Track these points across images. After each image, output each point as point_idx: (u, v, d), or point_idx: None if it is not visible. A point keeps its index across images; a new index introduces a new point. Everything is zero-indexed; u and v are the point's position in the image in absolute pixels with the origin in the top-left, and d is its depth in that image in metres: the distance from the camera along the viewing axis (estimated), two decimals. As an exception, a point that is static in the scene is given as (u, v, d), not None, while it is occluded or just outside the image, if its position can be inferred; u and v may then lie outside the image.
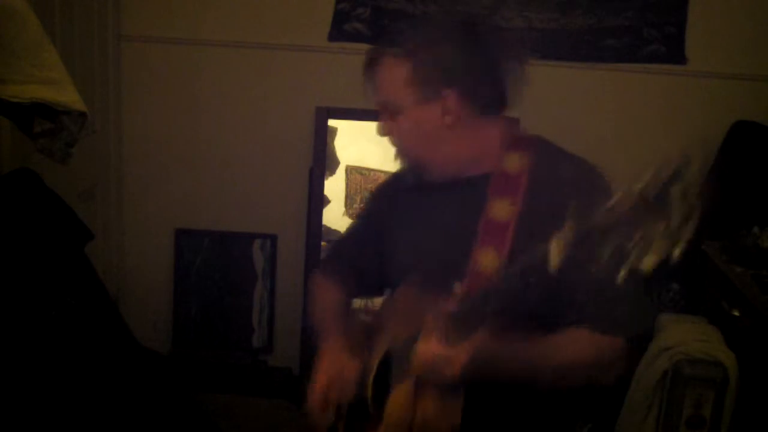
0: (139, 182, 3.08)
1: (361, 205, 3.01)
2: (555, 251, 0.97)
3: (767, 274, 2.35)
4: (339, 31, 2.91)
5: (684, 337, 2.44)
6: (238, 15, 2.94)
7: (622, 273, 0.88)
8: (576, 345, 1.28)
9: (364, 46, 2.86)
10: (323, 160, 2.95)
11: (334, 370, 1.43)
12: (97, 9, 2.75)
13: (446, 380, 1.21)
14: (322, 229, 2.97)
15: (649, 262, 0.86)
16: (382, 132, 1.43)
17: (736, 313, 2.38)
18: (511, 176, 1.36)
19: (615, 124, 2.95)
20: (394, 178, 1.63)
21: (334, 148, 3.04)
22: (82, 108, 1.83)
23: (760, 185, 2.72)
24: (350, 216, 3.01)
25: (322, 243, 2.95)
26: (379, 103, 1.42)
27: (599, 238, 0.90)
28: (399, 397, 1.31)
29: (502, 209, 1.33)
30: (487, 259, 1.31)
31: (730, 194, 2.75)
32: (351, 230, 1.73)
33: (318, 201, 2.95)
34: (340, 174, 3.06)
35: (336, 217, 3.02)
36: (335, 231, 2.94)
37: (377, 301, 1.83)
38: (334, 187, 3.04)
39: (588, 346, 1.28)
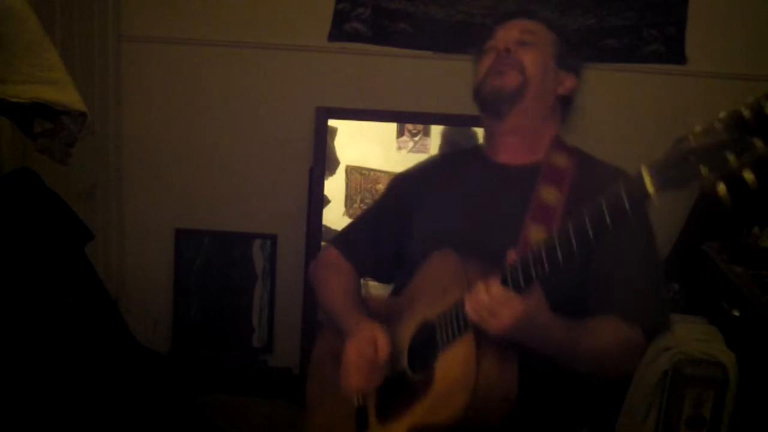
0: (139, 182, 3.08)
1: (362, 205, 3.02)
2: (647, 176, 1.02)
3: (767, 274, 2.35)
4: (339, 31, 2.91)
5: (684, 337, 2.44)
6: (238, 15, 2.94)
7: (721, 185, 0.95)
8: (605, 331, 1.32)
9: (364, 46, 2.92)
10: (323, 160, 2.95)
11: (365, 343, 1.41)
12: (97, 9, 2.75)
13: (496, 331, 1.20)
14: (322, 229, 2.97)
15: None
16: (504, 45, 1.49)
17: (736, 313, 2.38)
18: (559, 169, 1.44)
19: (615, 124, 2.94)
20: (427, 165, 1.69)
21: (334, 148, 3.04)
22: (82, 108, 1.83)
23: (760, 185, 2.72)
24: (350, 216, 3.01)
25: (322, 243, 2.95)
26: (515, 34, 1.51)
27: (696, 156, 0.97)
28: (456, 357, 1.28)
29: (550, 194, 1.40)
30: (538, 235, 1.33)
31: (730, 194, 2.75)
32: (371, 213, 1.72)
33: (318, 201, 2.96)
34: (340, 174, 3.06)
35: (336, 217, 3.02)
36: (335, 231, 2.94)
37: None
38: (334, 187, 3.04)
39: (615, 334, 1.32)
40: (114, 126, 2.96)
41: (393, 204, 1.64)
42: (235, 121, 3.03)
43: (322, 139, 2.93)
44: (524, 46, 1.49)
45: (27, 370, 1.75)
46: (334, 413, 1.52)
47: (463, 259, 1.34)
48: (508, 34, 1.51)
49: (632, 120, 2.94)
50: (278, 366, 3.13)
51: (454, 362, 1.28)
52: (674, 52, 2.87)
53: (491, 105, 1.48)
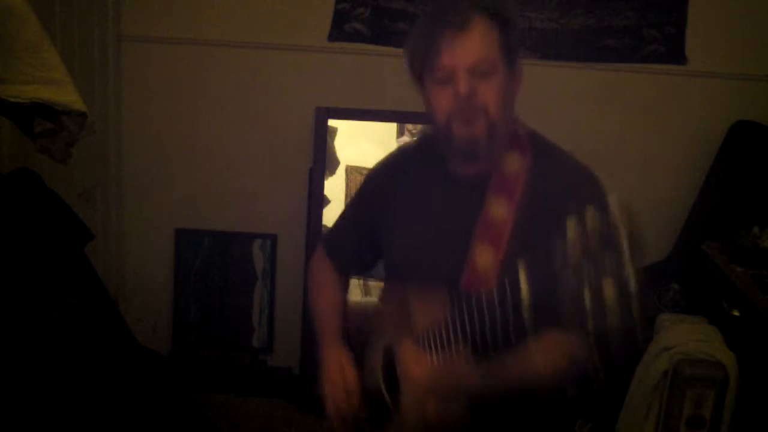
0: (139, 182, 3.08)
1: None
2: (524, 285, 1.08)
3: (767, 274, 2.35)
4: (339, 31, 2.91)
5: (684, 337, 2.44)
6: (238, 15, 2.94)
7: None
8: (550, 351, 1.28)
9: (364, 46, 2.92)
10: (323, 160, 2.95)
11: (340, 382, 1.50)
12: (97, 9, 2.75)
13: (416, 386, 1.30)
14: (322, 229, 2.97)
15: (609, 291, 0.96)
16: (465, 91, 1.35)
17: (736, 313, 2.38)
18: (510, 177, 1.40)
19: (615, 124, 2.95)
20: (392, 161, 1.68)
21: (334, 148, 3.04)
22: (82, 108, 1.83)
23: (760, 185, 2.72)
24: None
25: (322, 243, 2.95)
26: (468, 65, 1.36)
27: (567, 273, 1.00)
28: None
29: (499, 209, 1.38)
30: (484, 258, 1.36)
31: (730, 194, 2.75)
32: (346, 212, 1.80)
33: (318, 201, 2.96)
34: (340, 174, 3.06)
35: (336, 217, 3.02)
36: (335, 231, 2.94)
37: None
38: (334, 187, 3.04)
39: (561, 346, 1.27)
40: (114, 126, 2.96)
41: (364, 205, 1.70)
42: (235, 121, 3.03)
43: (322, 139, 2.94)
44: (482, 79, 1.35)
45: (27, 369, 1.75)
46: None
47: (418, 293, 1.38)
48: (460, 62, 1.36)
49: (632, 120, 2.94)
50: (278, 366, 3.13)
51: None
52: (674, 52, 2.87)
53: (463, 152, 1.41)
